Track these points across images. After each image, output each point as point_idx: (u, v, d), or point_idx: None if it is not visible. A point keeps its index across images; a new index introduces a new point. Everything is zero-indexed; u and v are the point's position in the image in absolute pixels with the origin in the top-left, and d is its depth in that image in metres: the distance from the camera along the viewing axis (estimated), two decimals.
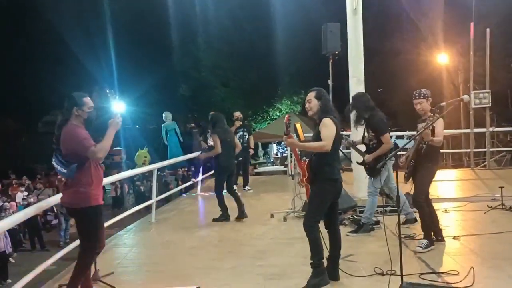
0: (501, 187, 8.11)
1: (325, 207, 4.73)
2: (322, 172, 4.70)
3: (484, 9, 16.06)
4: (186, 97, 30.95)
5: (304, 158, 4.82)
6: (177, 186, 14.73)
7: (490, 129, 13.71)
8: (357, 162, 7.01)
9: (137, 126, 28.45)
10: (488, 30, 13.21)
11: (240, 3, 25.80)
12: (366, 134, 6.75)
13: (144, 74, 27.43)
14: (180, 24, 27.88)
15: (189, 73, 30.76)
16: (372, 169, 6.48)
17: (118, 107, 22.43)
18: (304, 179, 4.78)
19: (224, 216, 7.90)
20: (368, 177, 6.77)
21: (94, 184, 4.47)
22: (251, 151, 11.73)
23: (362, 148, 6.90)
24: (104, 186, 14.76)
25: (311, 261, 4.62)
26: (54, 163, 4.51)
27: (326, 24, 10.76)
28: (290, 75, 30.57)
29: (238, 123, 11.43)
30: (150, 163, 13.82)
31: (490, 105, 13.12)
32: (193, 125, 22.82)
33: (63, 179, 4.64)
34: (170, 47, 29.05)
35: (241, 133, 11.28)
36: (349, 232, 6.82)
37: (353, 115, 6.82)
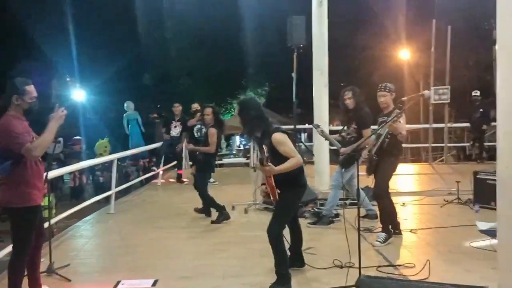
0: (458, 182, 8.31)
1: (291, 215, 4.72)
2: (295, 180, 4.59)
3: (446, 7, 16.39)
4: (149, 86, 30.47)
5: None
6: (138, 177, 14.49)
7: (448, 125, 14.06)
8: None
9: (98, 116, 27.91)
10: (449, 27, 13.50)
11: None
12: (345, 127, 6.74)
13: (106, 61, 26.81)
14: (145, 12, 27.40)
15: (152, 62, 30.31)
16: (346, 160, 6.45)
17: (79, 95, 21.94)
18: (272, 198, 4.56)
19: (222, 215, 7.16)
20: (338, 169, 6.77)
21: (32, 182, 4.07)
22: None
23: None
24: (62, 176, 14.40)
25: (277, 269, 4.50)
26: None
27: (292, 17, 10.76)
28: (255, 67, 30.54)
29: (198, 115, 11.15)
30: (111, 153, 13.54)
31: (449, 101, 13.44)
32: (155, 115, 22.52)
33: None
34: (134, 35, 28.52)
35: (199, 126, 11.02)
36: (309, 223, 6.87)
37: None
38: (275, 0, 22.12)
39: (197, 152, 7.46)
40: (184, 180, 11.16)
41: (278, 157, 4.45)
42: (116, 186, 9.01)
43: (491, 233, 5.78)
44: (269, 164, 4.35)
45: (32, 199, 4.07)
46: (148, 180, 12.64)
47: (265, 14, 24.05)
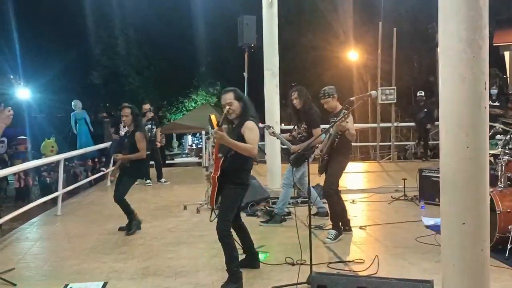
0: (404, 179, 8.56)
1: (236, 210, 4.69)
2: (238, 177, 4.58)
3: (391, 10, 16.86)
4: (97, 85, 29.70)
5: (220, 155, 4.64)
6: (86, 177, 14.14)
7: (395, 124, 14.44)
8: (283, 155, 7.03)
9: (44, 115, 26.98)
10: (394, 29, 13.87)
11: None
12: (295, 127, 6.78)
13: (51, 59, 25.98)
14: (92, 8, 26.72)
15: (100, 60, 29.60)
16: (297, 159, 6.47)
17: (23, 93, 21.21)
18: (216, 176, 4.52)
19: (135, 226, 6.61)
20: (288, 168, 6.80)
21: None
22: (158, 145, 11.33)
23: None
24: (6, 177, 13.88)
25: (228, 267, 4.50)
26: None
27: (243, 17, 10.81)
28: (206, 66, 30.36)
29: (150, 115, 11.02)
30: (58, 153, 13.16)
31: (395, 101, 13.81)
32: (104, 114, 22.04)
33: None
34: (81, 32, 27.74)
35: (149, 126, 10.89)
36: (261, 221, 6.91)
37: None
38: (224, 0, 22.12)
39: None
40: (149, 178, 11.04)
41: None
42: (64, 187, 8.77)
43: (436, 228, 5.99)
44: (223, 131, 4.41)
45: None
46: (97, 180, 12.36)
47: (216, 13, 23.97)
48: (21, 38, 25.28)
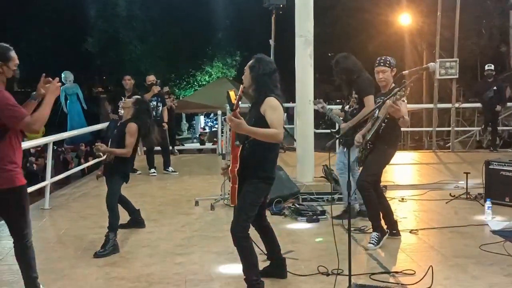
0: (466, 173, 8.46)
1: (257, 209, 4.65)
2: (261, 169, 4.57)
3: None
4: (92, 53, 29.89)
5: (237, 142, 4.62)
6: (78, 164, 14.33)
7: (456, 105, 14.26)
8: (332, 132, 7.03)
9: (29, 89, 27.36)
10: None
11: None
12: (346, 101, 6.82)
13: (36, 21, 26.28)
14: None
15: (96, 24, 29.76)
16: (346, 140, 6.47)
17: None
18: (236, 169, 4.52)
19: (112, 245, 6.02)
20: (340, 150, 6.78)
21: (17, 159, 4.35)
22: (165, 126, 11.32)
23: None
24: None
25: (246, 277, 4.53)
26: None
27: None
28: (224, 32, 30.36)
29: (156, 89, 10.99)
30: (45, 135, 13.31)
31: (457, 76, 13.62)
32: (100, 89, 22.28)
33: None
34: None
35: (154, 103, 10.87)
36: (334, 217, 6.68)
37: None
38: None
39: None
40: (136, 169, 11.11)
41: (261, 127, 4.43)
42: (52, 176, 8.90)
43: (506, 234, 5.93)
44: (240, 117, 4.29)
45: (19, 178, 4.32)
46: (91, 169, 12.51)
47: None
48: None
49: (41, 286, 4.60)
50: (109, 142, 6.57)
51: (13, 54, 4.36)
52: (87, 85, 23.99)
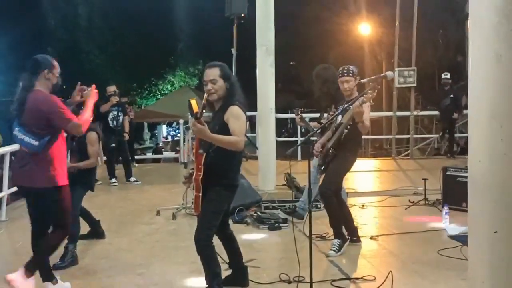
0: (425, 179, 8.59)
1: (221, 216, 4.64)
2: (225, 177, 4.56)
3: None
4: None
5: (201, 151, 4.60)
6: None
7: (415, 113, 14.49)
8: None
9: None
10: None
11: None
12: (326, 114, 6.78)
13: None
14: None
15: (56, 33, 29.41)
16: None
17: None
18: (199, 177, 4.50)
19: (71, 256, 5.91)
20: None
21: (62, 160, 4.80)
22: (126, 136, 11.26)
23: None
24: None
25: (208, 286, 4.50)
26: (18, 132, 4.64)
27: None
28: (186, 41, 30.30)
29: (114, 100, 10.92)
30: (3, 146, 13.00)
31: (415, 84, 13.85)
32: (60, 98, 21.94)
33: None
34: (32, 1, 27.57)
35: (115, 112, 10.85)
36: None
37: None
38: None
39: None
40: (97, 179, 10.96)
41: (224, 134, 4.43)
42: (9, 187, 8.72)
43: (462, 238, 6.02)
44: (204, 124, 4.25)
45: (62, 179, 4.77)
46: None
47: None
48: None
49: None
50: (68, 154, 6.46)
51: (55, 62, 4.79)
52: None
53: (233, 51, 11.51)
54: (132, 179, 11.09)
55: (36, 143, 4.58)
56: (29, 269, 4.72)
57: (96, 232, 6.84)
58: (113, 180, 10.91)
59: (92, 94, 5.00)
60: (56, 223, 4.88)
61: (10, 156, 8.64)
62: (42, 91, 4.67)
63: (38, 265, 4.84)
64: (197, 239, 4.48)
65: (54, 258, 5.87)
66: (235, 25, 11.07)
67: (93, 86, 5.09)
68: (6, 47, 26.11)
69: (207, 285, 4.52)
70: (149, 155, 21.50)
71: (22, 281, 4.65)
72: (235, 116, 4.46)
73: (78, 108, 5.12)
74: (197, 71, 30.43)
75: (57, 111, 4.58)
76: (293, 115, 8.33)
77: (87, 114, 4.86)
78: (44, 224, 4.90)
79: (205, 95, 4.56)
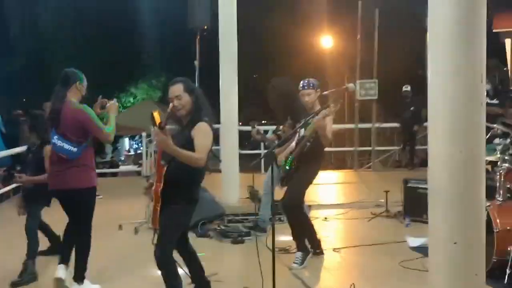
0: (386, 192, 8.67)
1: (180, 231, 4.63)
2: (186, 190, 4.55)
3: None
4: (13, 73, 28.98)
5: (163, 162, 4.56)
6: None
7: (376, 125, 14.63)
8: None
9: None
10: (377, 10, 14.07)
11: None
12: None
13: None
14: None
15: (19, 44, 28.94)
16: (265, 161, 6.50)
17: None
18: (159, 189, 4.46)
19: (28, 274, 5.81)
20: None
21: (93, 164, 5.33)
22: None
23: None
24: None
25: None
26: (57, 140, 5.07)
27: None
28: (148, 54, 30.16)
29: None
30: None
31: (376, 97, 14.01)
32: (20, 111, 21.57)
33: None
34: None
35: None
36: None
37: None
38: None
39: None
40: None
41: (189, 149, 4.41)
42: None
43: (423, 250, 6.09)
44: (166, 133, 4.31)
45: (95, 179, 5.32)
46: (12, 193, 12.04)
47: None
48: None
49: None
50: (28, 168, 6.33)
51: (83, 75, 5.35)
52: (6, 108, 23.11)
53: (196, 63, 11.51)
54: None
55: (75, 149, 5.05)
56: (79, 278, 5.23)
57: (56, 247, 6.69)
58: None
59: (114, 107, 5.39)
60: (87, 221, 5.33)
61: None
62: (75, 102, 5.15)
63: (81, 268, 5.26)
64: (157, 255, 4.43)
65: (14, 273, 5.77)
66: (198, 37, 11.08)
67: (114, 100, 5.53)
68: None
69: None
70: (111, 169, 21.27)
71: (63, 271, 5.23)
72: (202, 132, 4.45)
73: None
74: (160, 84, 30.34)
75: (92, 122, 5.10)
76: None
77: (112, 125, 5.24)
78: (77, 224, 5.35)
79: (170, 105, 4.53)
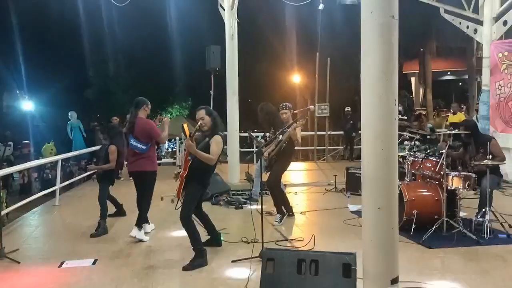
0: (335, 175, 8.71)
1: (196, 203, 4.66)
2: (202, 178, 4.58)
3: (326, 43, 17.13)
4: (90, 100, 28.82)
5: (189, 157, 4.62)
6: (79, 175, 13.65)
7: (328, 132, 14.68)
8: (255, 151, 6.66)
9: (45, 123, 25.99)
10: (328, 59, 14.10)
11: (143, 23, 24.57)
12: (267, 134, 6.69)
13: (52, 78, 25.15)
14: (87, 33, 25.93)
15: (92, 80, 28.83)
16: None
17: (27, 106, 20.31)
18: (184, 174, 4.53)
19: (102, 229, 5.79)
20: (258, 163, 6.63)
21: (155, 157, 5.59)
22: None
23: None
24: (12, 174, 13.15)
25: (193, 247, 4.46)
26: (133, 141, 5.37)
27: (210, 46, 10.80)
28: (180, 86, 30.05)
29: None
30: (56, 155, 12.68)
31: (328, 114, 14.02)
32: (95, 123, 21.44)
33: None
34: (78, 54, 26.84)
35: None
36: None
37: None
38: (197, 32, 22.03)
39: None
40: (120, 176, 10.71)
41: (205, 152, 4.46)
42: (61, 183, 8.47)
43: (359, 213, 6.14)
44: (193, 141, 4.44)
45: (156, 166, 5.58)
46: (88, 177, 11.97)
47: (189, 43, 23.83)
48: (27, 61, 24.34)
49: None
50: (100, 160, 6.35)
51: (148, 101, 5.61)
52: (87, 121, 22.99)
53: (211, 92, 11.48)
54: None
55: (144, 147, 5.35)
56: (138, 224, 5.36)
57: (120, 212, 6.70)
58: (131, 177, 10.62)
59: (167, 122, 5.63)
60: (150, 192, 5.58)
61: (62, 162, 8.41)
62: (143, 118, 5.45)
63: (142, 219, 5.42)
64: (181, 217, 4.47)
65: (91, 229, 5.76)
66: (212, 75, 11.06)
67: (167, 117, 5.94)
68: (59, 88, 25.42)
69: (192, 247, 4.47)
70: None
71: (139, 232, 5.33)
72: (216, 142, 4.51)
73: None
74: (187, 105, 30.22)
75: (154, 130, 5.39)
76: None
77: (166, 133, 5.50)
78: (144, 193, 5.53)
79: (198, 123, 4.56)
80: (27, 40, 24.66)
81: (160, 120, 5.71)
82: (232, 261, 4.47)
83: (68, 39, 25.75)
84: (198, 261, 4.38)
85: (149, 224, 5.74)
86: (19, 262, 4.59)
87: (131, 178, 10.43)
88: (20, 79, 23.87)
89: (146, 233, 5.53)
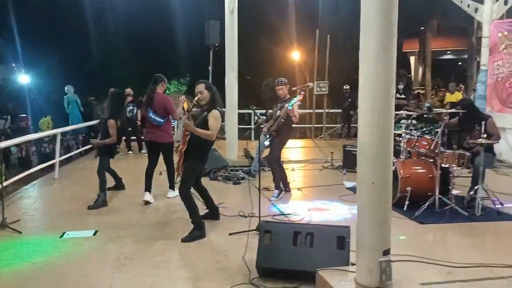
0: (332, 153, 8.80)
1: (195, 177, 4.70)
2: (200, 153, 4.61)
3: (326, 20, 16.96)
4: (88, 74, 28.60)
5: (187, 133, 4.65)
6: (77, 149, 13.69)
7: (326, 110, 14.70)
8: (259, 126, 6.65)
9: (42, 97, 25.81)
10: (328, 36, 14.00)
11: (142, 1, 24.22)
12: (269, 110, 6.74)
13: (49, 51, 24.85)
14: (86, 8, 25.51)
15: (91, 54, 28.56)
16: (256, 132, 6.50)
17: (24, 79, 20.04)
18: (183, 149, 4.56)
19: (101, 201, 5.87)
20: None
21: (171, 129, 5.99)
22: (139, 123, 11.12)
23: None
24: (10, 148, 13.13)
25: (191, 220, 4.54)
26: (151, 114, 5.80)
27: (209, 21, 10.68)
28: (179, 61, 29.78)
29: (129, 98, 10.83)
30: (53, 129, 12.67)
31: (327, 92, 14.02)
32: (93, 98, 21.34)
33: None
34: (75, 29, 26.45)
35: (131, 107, 10.72)
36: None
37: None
38: (197, 7, 21.72)
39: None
40: (119, 151, 10.78)
41: (203, 128, 4.48)
42: (60, 156, 8.53)
43: (354, 189, 6.25)
44: (191, 119, 4.54)
45: (172, 137, 6.01)
46: (86, 151, 12.03)
47: (188, 18, 23.54)
48: (23, 34, 24.00)
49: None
50: (99, 134, 6.35)
51: (165, 78, 6.11)
52: (84, 95, 22.83)
53: (210, 68, 11.43)
54: (142, 151, 10.89)
55: (161, 120, 5.78)
56: (172, 187, 6.08)
57: (119, 185, 6.79)
58: (130, 152, 10.76)
59: (182, 100, 5.93)
60: (171, 159, 5.88)
61: (60, 135, 8.45)
62: (161, 93, 5.90)
63: (172, 182, 6.07)
64: (180, 190, 4.56)
65: (91, 201, 5.86)
66: (211, 50, 10.98)
67: (183, 96, 6.35)
68: (56, 61, 25.17)
69: (191, 220, 4.56)
70: None
71: (172, 192, 6.10)
72: (214, 117, 4.52)
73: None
74: (186, 81, 30.04)
75: (171, 105, 5.79)
76: (249, 111, 8.46)
77: (180, 109, 5.76)
78: (166, 160, 6.00)
79: (196, 97, 4.59)
80: (23, 12, 24.27)
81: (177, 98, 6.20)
82: (230, 234, 4.56)
83: (67, 12, 25.37)
84: (196, 233, 4.48)
85: (173, 190, 6.19)
86: (20, 232, 4.69)
87: (129, 152, 10.67)
88: (15, 51, 23.62)
89: (168, 198, 6.12)
